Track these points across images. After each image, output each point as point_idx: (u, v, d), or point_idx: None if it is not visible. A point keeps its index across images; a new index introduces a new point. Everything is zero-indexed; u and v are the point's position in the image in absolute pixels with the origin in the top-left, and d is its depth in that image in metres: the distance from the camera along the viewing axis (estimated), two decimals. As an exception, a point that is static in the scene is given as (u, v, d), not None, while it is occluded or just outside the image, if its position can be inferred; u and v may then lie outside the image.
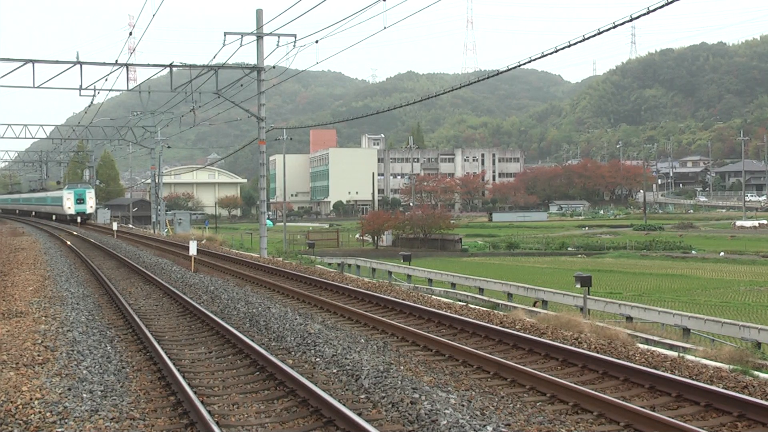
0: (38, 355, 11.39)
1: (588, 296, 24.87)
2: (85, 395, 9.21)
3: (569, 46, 19.64)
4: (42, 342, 12.35)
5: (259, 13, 34.20)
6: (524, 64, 21.64)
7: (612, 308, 25.45)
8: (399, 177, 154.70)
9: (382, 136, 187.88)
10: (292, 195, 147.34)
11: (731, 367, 10.81)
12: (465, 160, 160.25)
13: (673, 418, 8.36)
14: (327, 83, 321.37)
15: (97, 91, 36.01)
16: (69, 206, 68.21)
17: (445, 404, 8.46)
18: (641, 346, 12.75)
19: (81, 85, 34.44)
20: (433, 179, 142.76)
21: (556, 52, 19.93)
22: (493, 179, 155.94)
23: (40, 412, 8.50)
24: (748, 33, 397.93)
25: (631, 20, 17.57)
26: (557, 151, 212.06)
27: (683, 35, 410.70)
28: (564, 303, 27.44)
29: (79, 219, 68.91)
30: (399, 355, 11.93)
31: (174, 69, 34.47)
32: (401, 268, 42.67)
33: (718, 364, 10.96)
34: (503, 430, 7.79)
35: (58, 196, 72.08)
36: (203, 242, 42.46)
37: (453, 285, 35.62)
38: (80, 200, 68.28)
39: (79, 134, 67.55)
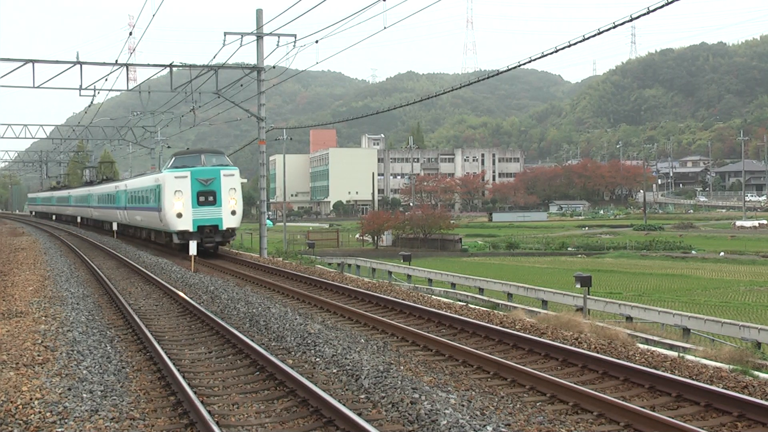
0: (38, 355, 11.39)
1: (588, 296, 24.86)
2: (85, 395, 9.21)
3: (569, 46, 19.63)
4: (42, 342, 12.35)
5: (259, 13, 34.19)
6: (524, 64, 21.63)
7: (612, 308, 25.45)
8: (399, 177, 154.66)
9: (382, 136, 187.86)
10: (292, 195, 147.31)
11: (731, 367, 10.81)
12: (465, 160, 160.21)
13: (673, 418, 8.36)
14: (327, 83, 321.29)
15: (97, 91, 36.01)
16: (178, 210, 29.48)
17: (445, 404, 8.46)
18: (641, 346, 12.76)
19: (81, 85, 34.42)
20: (433, 179, 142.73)
21: (556, 52, 19.92)
22: (493, 179, 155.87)
23: (40, 412, 8.50)
24: (748, 33, 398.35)
25: (631, 20, 17.56)
26: (557, 151, 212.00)
27: (683, 35, 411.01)
28: (564, 303, 27.44)
29: (204, 243, 29.62)
30: (399, 355, 11.93)
31: (174, 69, 34.45)
32: (401, 268, 42.66)
33: (718, 364, 10.96)
34: (503, 430, 7.80)
35: (148, 189, 33.21)
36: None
37: (453, 285, 35.62)
38: (206, 196, 29.63)
39: (79, 134, 67.36)
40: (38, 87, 33.50)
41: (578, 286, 24.02)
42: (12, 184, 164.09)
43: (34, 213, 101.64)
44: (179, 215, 29.25)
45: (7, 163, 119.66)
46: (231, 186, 29.76)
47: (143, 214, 35.04)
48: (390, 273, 43.14)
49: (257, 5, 33.82)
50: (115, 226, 46.28)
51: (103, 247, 35.52)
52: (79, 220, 63.33)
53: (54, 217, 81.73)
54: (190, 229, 29.24)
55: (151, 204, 32.44)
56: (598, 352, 11.58)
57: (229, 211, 29.64)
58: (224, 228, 29.67)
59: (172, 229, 29.71)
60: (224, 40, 31.63)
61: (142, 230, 37.45)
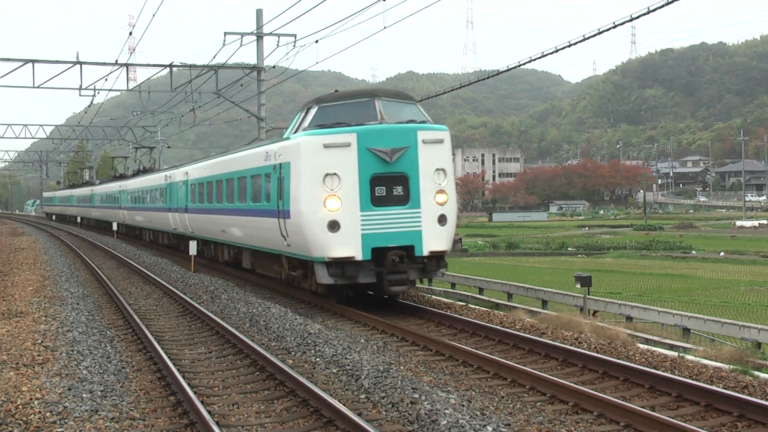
0: (38, 355, 11.39)
1: (588, 296, 24.85)
2: (85, 395, 9.21)
3: (569, 46, 19.64)
4: (42, 342, 12.35)
5: (259, 13, 34.17)
6: (524, 64, 21.63)
7: (612, 308, 25.44)
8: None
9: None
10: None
11: (731, 367, 10.81)
12: (465, 160, 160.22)
13: (673, 418, 8.37)
14: (327, 83, 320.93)
15: (97, 91, 35.96)
16: (330, 215, 14.93)
17: (445, 404, 8.46)
18: (641, 346, 12.76)
19: (81, 85, 34.39)
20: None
21: (556, 52, 19.93)
22: (493, 179, 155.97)
23: (40, 412, 8.50)
24: (748, 33, 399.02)
25: (631, 20, 17.57)
26: (557, 151, 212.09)
27: (683, 35, 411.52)
28: (564, 303, 27.43)
29: (387, 284, 14.90)
30: (399, 355, 11.94)
31: (174, 69, 34.45)
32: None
33: (718, 364, 10.97)
34: (503, 430, 7.79)
35: (248, 176, 18.98)
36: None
37: (453, 285, 35.60)
38: (390, 186, 15.13)
39: (79, 134, 67.34)
40: (38, 87, 33.47)
41: (578, 286, 23.98)
42: (12, 184, 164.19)
43: (54, 217, 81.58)
44: (333, 226, 14.89)
45: (7, 163, 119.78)
46: (437, 164, 15.51)
47: (238, 223, 20.24)
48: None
49: (257, 5, 33.81)
50: (115, 226, 45.02)
51: (103, 247, 35.54)
52: (78, 220, 60.75)
53: (54, 217, 79.32)
54: (358, 255, 14.89)
55: (256, 204, 18.29)
56: (598, 352, 11.58)
57: (434, 217, 15.36)
58: (425, 252, 15.21)
59: (317, 254, 15.13)
60: (224, 40, 31.59)
61: (229, 249, 22.53)
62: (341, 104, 16.00)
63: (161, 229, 32.66)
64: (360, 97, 16.04)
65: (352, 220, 14.87)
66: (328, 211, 14.90)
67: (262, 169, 17.81)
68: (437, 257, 15.46)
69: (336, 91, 16.71)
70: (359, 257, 14.86)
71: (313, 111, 16.04)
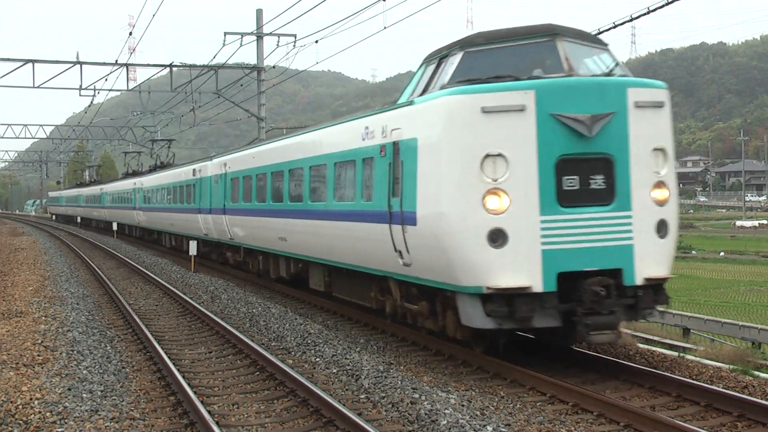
0: (38, 355, 11.39)
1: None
2: (85, 395, 9.21)
3: (569, 46, 19.60)
4: (42, 342, 12.35)
5: (259, 13, 34.16)
6: (524, 64, 21.58)
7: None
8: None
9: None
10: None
11: (731, 367, 10.82)
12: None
13: (673, 418, 8.37)
14: (327, 83, 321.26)
15: (97, 91, 36.03)
16: (491, 219, 9.51)
17: (445, 404, 8.46)
18: (641, 346, 12.76)
19: (81, 85, 34.44)
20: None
21: (556, 52, 19.90)
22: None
23: (40, 412, 8.50)
24: (748, 33, 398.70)
25: (631, 20, 17.60)
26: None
27: (683, 35, 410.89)
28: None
29: (584, 328, 9.49)
30: (399, 355, 11.93)
31: (174, 69, 34.47)
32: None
33: (718, 364, 10.97)
34: (503, 430, 7.80)
35: (339, 161, 13.35)
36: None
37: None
38: (585, 175, 9.67)
39: (79, 134, 67.34)
40: (38, 87, 33.53)
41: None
42: (12, 184, 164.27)
43: (54, 217, 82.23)
44: (496, 238, 9.58)
45: (7, 163, 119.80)
46: (655, 141, 10.30)
47: (309, 229, 15.13)
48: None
49: (257, 5, 33.79)
50: (115, 226, 45.24)
51: (103, 247, 35.54)
52: (78, 220, 61.19)
53: (54, 217, 79.62)
54: (536, 285, 9.55)
55: (344, 202, 13.35)
56: (597, 352, 11.57)
57: (651, 225, 10.14)
58: (638, 280, 9.96)
59: (468, 281, 9.75)
60: (224, 40, 31.58)
61: (289, 263, 17.80)
62: (502, 48, 10.64)
63: (187, 233, 27.40)
64: (532, 37, 10.58)
65: (528, 229, 9.59)
66: (489, 215, 9.58)
67: (358, 153, 12.43)
68: (654, 287, 10.24)
69: (477, 33, 11.10)
70: (538, 287, 9.53)
71: (455, 59, 10.59)
